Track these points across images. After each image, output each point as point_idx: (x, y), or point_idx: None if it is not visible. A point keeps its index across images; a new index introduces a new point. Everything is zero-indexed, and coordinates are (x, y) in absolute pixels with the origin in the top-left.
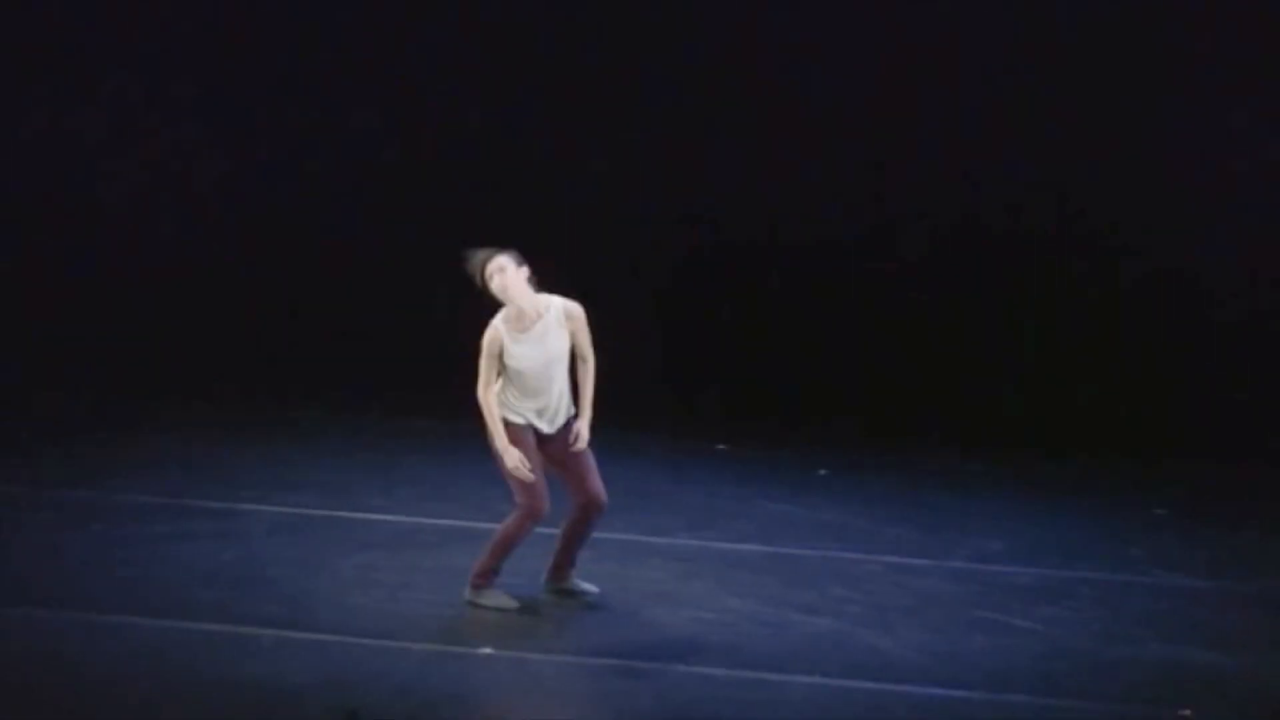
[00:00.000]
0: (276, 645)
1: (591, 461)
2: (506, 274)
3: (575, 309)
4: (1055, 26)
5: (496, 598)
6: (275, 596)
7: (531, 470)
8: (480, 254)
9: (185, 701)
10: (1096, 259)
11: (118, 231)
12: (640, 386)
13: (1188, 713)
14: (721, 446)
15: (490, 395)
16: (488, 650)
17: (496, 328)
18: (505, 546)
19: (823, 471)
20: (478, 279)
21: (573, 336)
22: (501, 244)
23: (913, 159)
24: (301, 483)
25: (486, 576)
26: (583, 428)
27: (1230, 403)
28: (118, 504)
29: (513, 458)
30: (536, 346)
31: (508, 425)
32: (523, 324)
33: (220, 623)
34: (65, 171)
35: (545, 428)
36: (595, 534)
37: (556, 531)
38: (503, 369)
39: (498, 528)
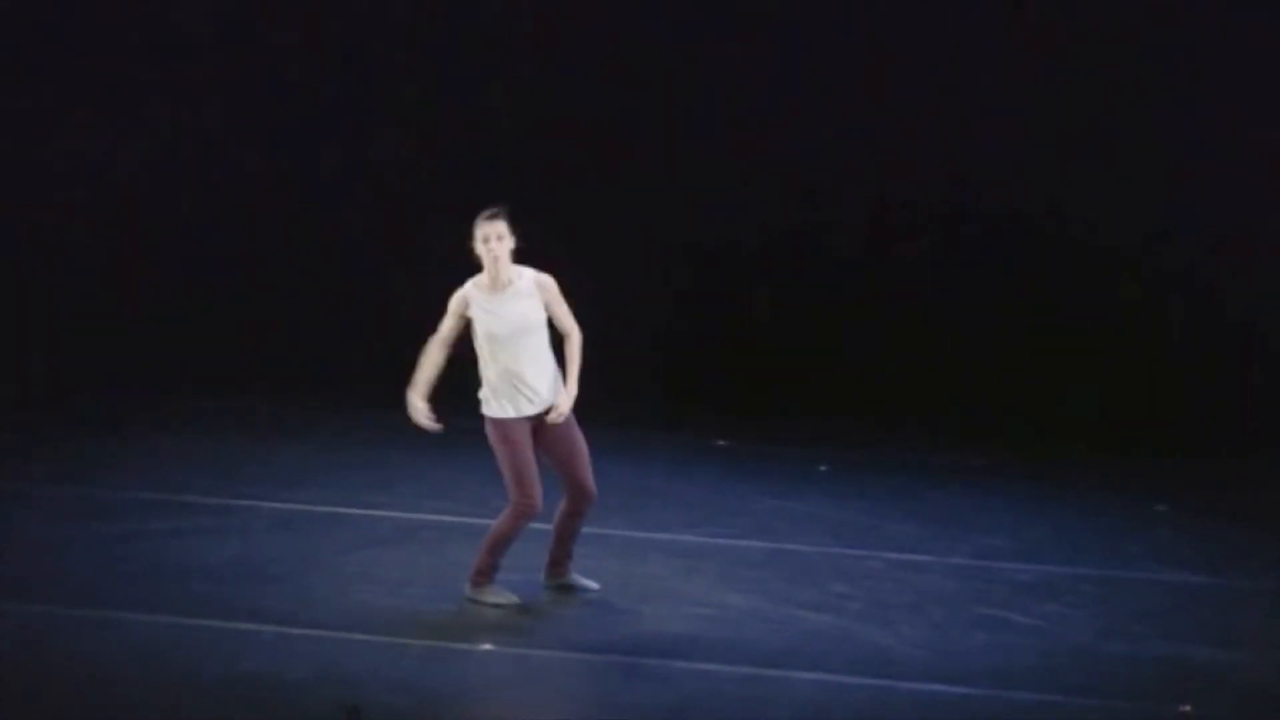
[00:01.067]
0: (277, 641)
1: (583, 450)
2: (504, 243)
3: (546, 279)
4: (1059, 27)
5: (496, 594)
6: (275, 592)
7: (524, 459)
8: (486, 213)
9: (185, 697)
10: (1098, 258)
11: (114, 230)
12: (641, 383)
13: (1188, 709)
14: (722, 442)
15: (434, 344)
16: (488, 646)
17: (465, 290)
18: (500, 543)
19: (824, 468)
20: (479, 234)
21: (548, 309)
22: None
23: (914, 159)
24: (301, 479)
25: (485, 574)
26: (562, 401)
27: (1230, 401)
28: (116, 501)
29: (418, 412)
30: (504, 308)
31: (498, 421)
32: (494, 289)
33: (220, 619)
34: (64, 171)
35: (530, 408)
36: (596, 530)
37: (549, 527)
38: (474, 338)
39: (492, 524)
